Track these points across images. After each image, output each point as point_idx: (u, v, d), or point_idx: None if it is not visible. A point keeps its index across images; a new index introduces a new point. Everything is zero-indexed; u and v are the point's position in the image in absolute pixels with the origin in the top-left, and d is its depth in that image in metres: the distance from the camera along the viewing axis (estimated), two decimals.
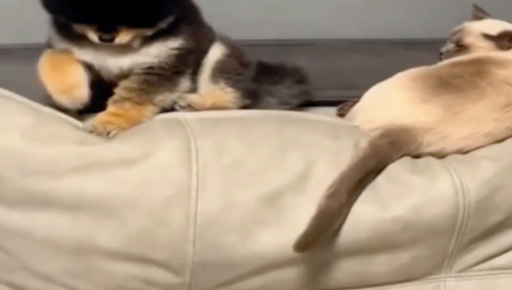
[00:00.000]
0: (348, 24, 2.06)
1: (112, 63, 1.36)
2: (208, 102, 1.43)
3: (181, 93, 1.40)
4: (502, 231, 1.35)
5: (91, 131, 1.28)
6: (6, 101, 1.29)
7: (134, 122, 1.32)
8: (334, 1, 2.08)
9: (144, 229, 1.23)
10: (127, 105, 1.33)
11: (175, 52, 1.37)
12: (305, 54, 1.94)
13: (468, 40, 1.59)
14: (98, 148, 1.24)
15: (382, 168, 1.32)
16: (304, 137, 1.32)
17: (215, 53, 1.48)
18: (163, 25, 1.35)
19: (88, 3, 1.29)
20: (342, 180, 1.27)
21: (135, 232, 1.23)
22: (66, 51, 1.37)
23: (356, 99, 1.51)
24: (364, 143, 1.33)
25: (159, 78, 1.36)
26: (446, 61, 1.56)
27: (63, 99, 1.33)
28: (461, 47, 1.60)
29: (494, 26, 1.58)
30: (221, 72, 1.47)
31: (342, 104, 1.61)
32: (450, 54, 1.60)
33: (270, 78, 1.61)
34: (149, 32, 1.34)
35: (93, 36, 1.32)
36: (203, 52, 1.47)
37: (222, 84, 1.46)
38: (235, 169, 1.26)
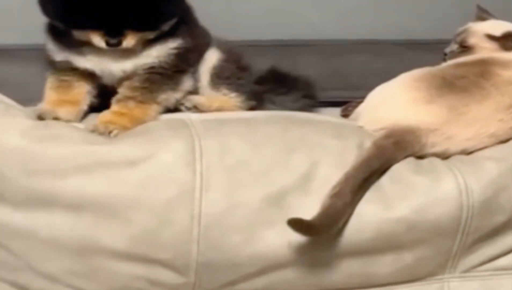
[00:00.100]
0: (352, 25, 2.06)
1: (115, 67, 1.36)
2: (215, 104, 1.43)
3: (184, 93, 1.40)
4: (506, 232, 1.35)
5: (92, 131, 1.28)
6: (7, 105, 1.30)
7: (138, 121, 1.32)
8: (338, 2, 2.08)
9: (148, 229, 1.23)
10: (131, 104, 1.34)
11: (175, 51, 1.38)
12: (309, 55, 1.94)
13: (472, 41, 1.59)
14: (102, 148, 1.25)
15: (386, 169, 1.32)
16: (309, 137, 1.33)
17: (211, 59, 1.48)
18: (166, 27, 1.35)
19: (95, 9, 1.29)
20: (346, 180, 1.27)
21: (139, 232, 1.23)
22: (68, 75, 1.37)
23: (360, 99, 1.51)
24: (368, 144, 1.33)
25: (161, 77, 1.37)
26: (450, 62, 1.56)
27: (59, 112, 1.33)
28: (465, 48, 1.60)
29: (498, 27, 1.58)
30: (220, 78, 1.47)
31: (346, 104, 1.61)
32: (454, 54, 1.60)
33: (278, 87, 1.61)
34: (153, 34, 1.35)
35: (99, 41, 1.32)
36: (201, 52, 1.47)
37: (224, 90, 1.47)
38: (239, 170, 1.26)
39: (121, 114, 1.32)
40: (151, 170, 1.24)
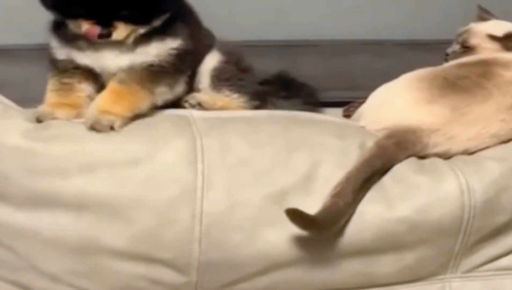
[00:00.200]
0: (354, 25, 2.06)
1: (113, 63, 1.36)
2: (218, 103, 1.43)
3: (175, 97, 1.40)
4: (508, 232, 1.35)
5: (92, 126, 1.27)
6: (5, 106, 1.30)
7: (135, 108, 1.31)
8: (339, 2, 2.08)
9: (150, 229, 1.23)
10: (127, 86, 1.32)
11: (174, 52, 1.37)
12: (311, 55, 1.94)
13: (473, 41, 1.59)
14: (104, 147, 1.25)
15: (388, 169, 1.32)
16: (310, 137, 1.33)
17: (211, 60, 1.47)
18: (157, 22, 1.35)
19: None
20: (348, 179, 1.27)
21: (140, 231, 1.23)
22: (70, 77, 1.37)
23: (362, 100, 1.51)
24: (370, 144, 1.33)
25: (160, 73, 1.36)
26: (452, 62, 1.55)
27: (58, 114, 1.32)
28: (467, 48, 1.59)
29: (500, 27, 1.58)
30: (220, 79, 1.47)
31: (348, 105, 1.61)
32: (456, 55, 1.60)
33: (281, 91, 1.61)
34: (143, 29, 1.34)
35: None
36: (202, 55, 1.47)
37: (226, 92, 1.46)
38: (241, 169, 1.26)
39: (117, 96, 1.31)
40: (153, 170, 1.24)
